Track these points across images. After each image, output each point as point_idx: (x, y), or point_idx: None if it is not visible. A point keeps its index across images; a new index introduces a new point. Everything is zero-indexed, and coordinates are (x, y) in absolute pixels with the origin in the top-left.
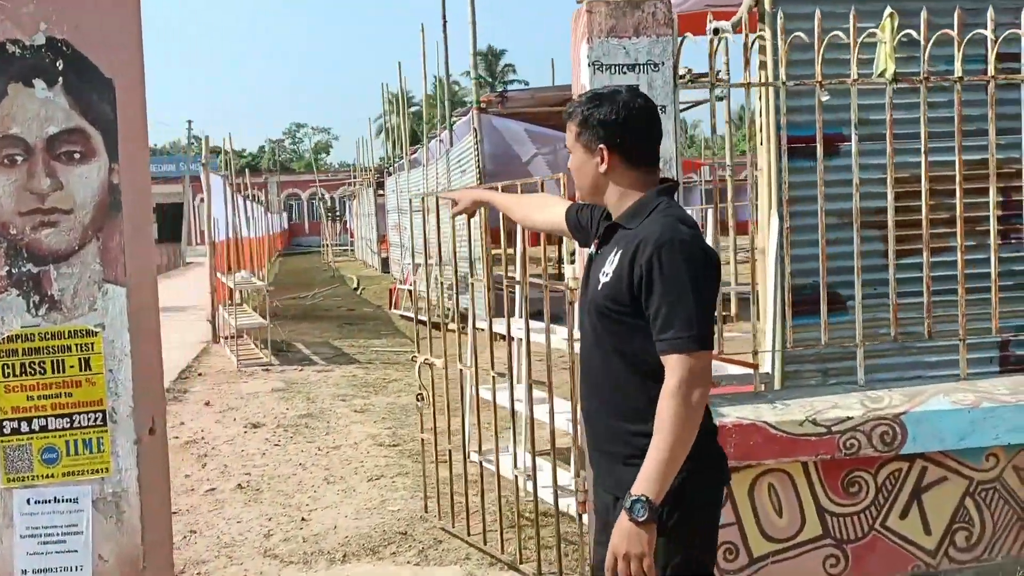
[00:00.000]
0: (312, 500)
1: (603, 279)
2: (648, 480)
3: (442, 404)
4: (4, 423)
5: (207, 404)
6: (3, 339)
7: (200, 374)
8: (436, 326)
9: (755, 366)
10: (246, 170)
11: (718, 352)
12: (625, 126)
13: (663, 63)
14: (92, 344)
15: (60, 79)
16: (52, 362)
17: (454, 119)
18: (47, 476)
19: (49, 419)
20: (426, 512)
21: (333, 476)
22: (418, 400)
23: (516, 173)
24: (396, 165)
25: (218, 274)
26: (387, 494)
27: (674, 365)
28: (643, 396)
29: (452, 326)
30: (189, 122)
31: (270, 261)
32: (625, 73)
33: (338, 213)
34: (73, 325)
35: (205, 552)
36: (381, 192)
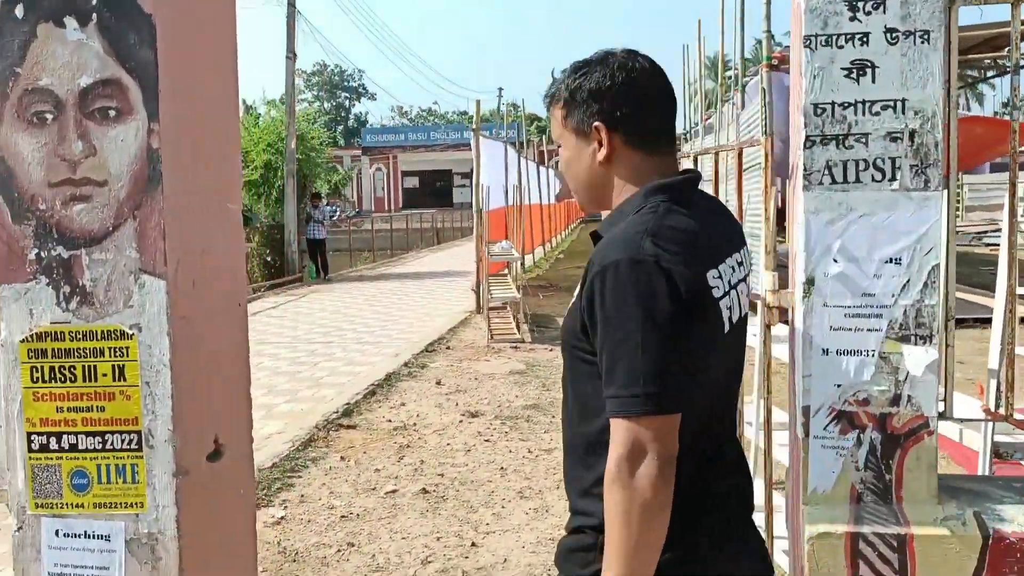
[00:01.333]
0: (495, 519)
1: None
2: None
3: None
4: (33, 437)
5: (438, 383)
6: (32, 335)
7: (448, 347)
8: None
9: None
10: (542, 136)
11: (1006, 415)
12: (627, 94)
13: None
14: (126, 349)
15: (94, 16)
16: (84, 368)
17: (746, 79)
18: (77, 505)
19: (80, 437)
20: None
21: (531, 489)
22: None
23: None
24: (692, 131)
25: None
26: None
27: (614, 434)
28: (588, 469)
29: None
30: (500, 90)
31: (568, 228)
32: None
33: None
34: (106, 324)
35: (353, 573)
36: (680, 158)
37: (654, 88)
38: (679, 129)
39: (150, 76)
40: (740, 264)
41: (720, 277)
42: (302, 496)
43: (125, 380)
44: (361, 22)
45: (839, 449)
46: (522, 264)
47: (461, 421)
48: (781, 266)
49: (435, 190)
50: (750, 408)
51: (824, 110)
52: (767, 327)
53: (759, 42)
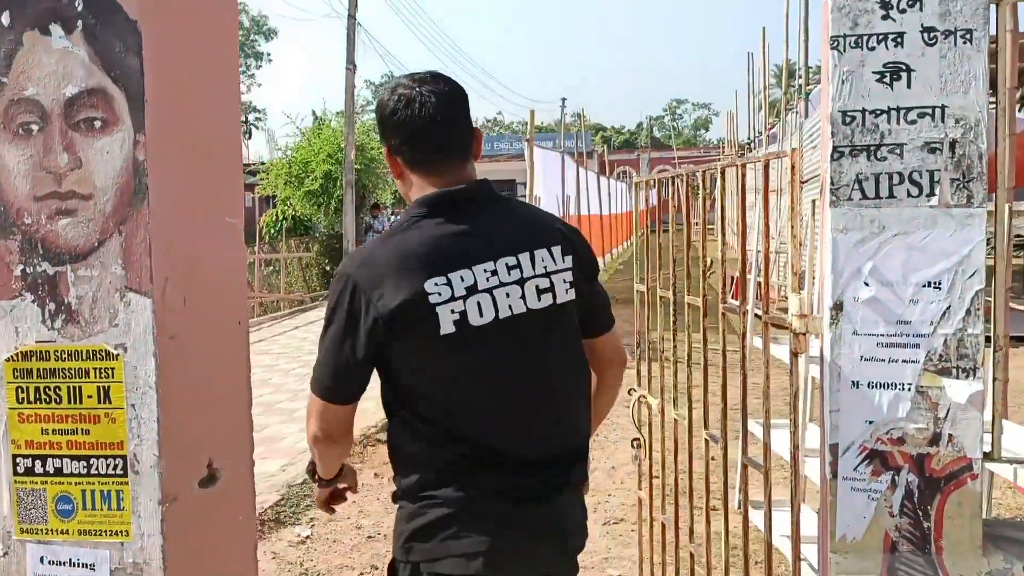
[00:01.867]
0: None
1: None
2: None
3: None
4: (18, 460)
5: None
6: (18, 355)
7: None
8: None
9: None
10: (605, 146)
11: None
12: (393, 124)
13: None
14: (112, 370)
15: (79, 23)
16: (69, 388)
17: (810, 88)
18: (63, 532)
19: (65, 460)
20: None
21: None
22: (633, 447)
23: None
24: (756, 140)
25: None
26: (617, 549)
27: None
28: None
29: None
30: (563, 100)
31: (630, 240)
32: None
33: (708, 190)
34: (91, 344)
35: None
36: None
37: (415, 117)
38: (743, 138)
39: (136, 85)
40: (519, 265)
41: (449, 284)
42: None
43: (110, 402)
44: (425, 34)
45: (871, 492)
46: None
47: None
48: None
49: None
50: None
51: (853, 118)
52: (794, 355)
53: (804, 62)
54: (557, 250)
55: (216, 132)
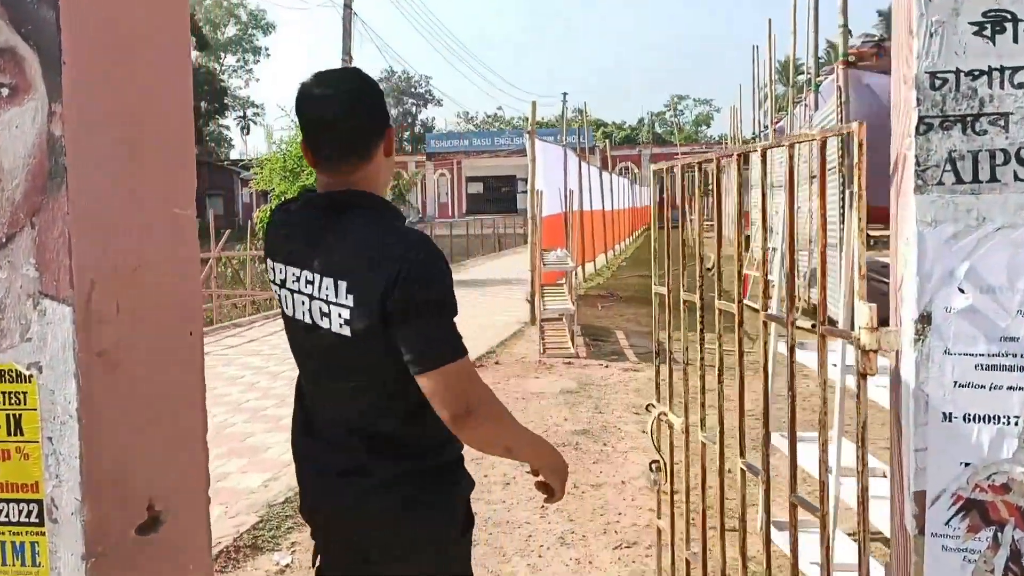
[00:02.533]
0: (530, 570)
1: None
2: None
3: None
4: None
5: None
6: None
7: (498, 362)
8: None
9: None
10: (607, 141)
11: None
12: (298, 121)
13: None
14: (23, 394)
15: None
16: None
17: (820, 79)
18: None
19: None
20: None
21: (574, 533)
22: (652, 471)
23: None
24: (762, 135)
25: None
26: None
27: None
28: None
29: (803, 324)
30: (564, 95)
31: (632, 236)
32: None
33: (708, 187)
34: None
35: None
36: (747, 165)
37: (302, 116)
38: (748, 133)
39: (51, 43)
40: (312, 283)
41: (273, 271)
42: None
43: (22, 434)
44: (424, 27)
45: (967, 552)
46: (582, 272)
47: None
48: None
49: (499, 195)
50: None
51: (944, 81)
52: (862, 376)
53: (830, 44)
54: (343, 285)
55: (160, 104)
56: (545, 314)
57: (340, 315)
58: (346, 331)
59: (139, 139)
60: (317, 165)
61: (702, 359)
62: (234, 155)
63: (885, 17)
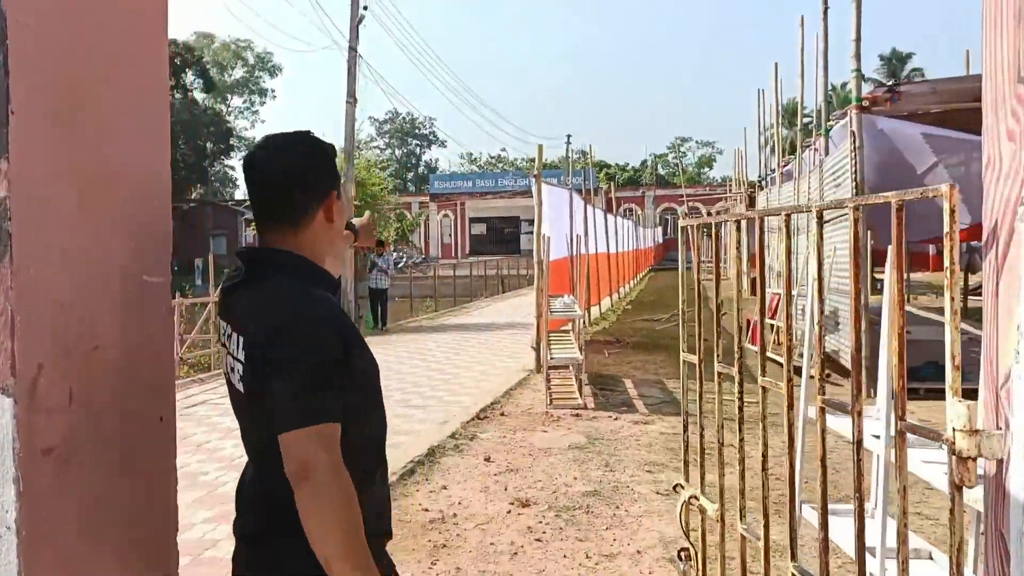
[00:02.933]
0: None
1: None
2: None
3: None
4: None
5: (487, 460)
6: None
7: (503, 414)
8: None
9: None
10: (611, 183)
11: None
12: None
13: None
14: None
15: None
16: None
17: (831, 123)
18: None
19: None
20: None
21: None
22: (680, 560)
23: (908, 187)
24: (768, 178)
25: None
26: None
27: None
28: None
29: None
30: (568, 136)
31: (636, 277)
32: None
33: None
34: None
35: None
36: (753, 208)
37: (247, 179)
38: (754, 176)
39: None
40: (231, 337)
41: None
42: None
43: None
44: (428, 68)
45: None
46: (588, 317)
47: (509, 511)
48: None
49: (502, 236)
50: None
51: None
52: (957, 488)
53: (833, 88)
54: (242, 341)
55: (131, 157)
56: (551, 362)
57: (238, 370)
58: (241, 387)
59: (103, 198)
60: (256, 226)
61: (741, 441)
62: (239, 195)
63: (887, 61)
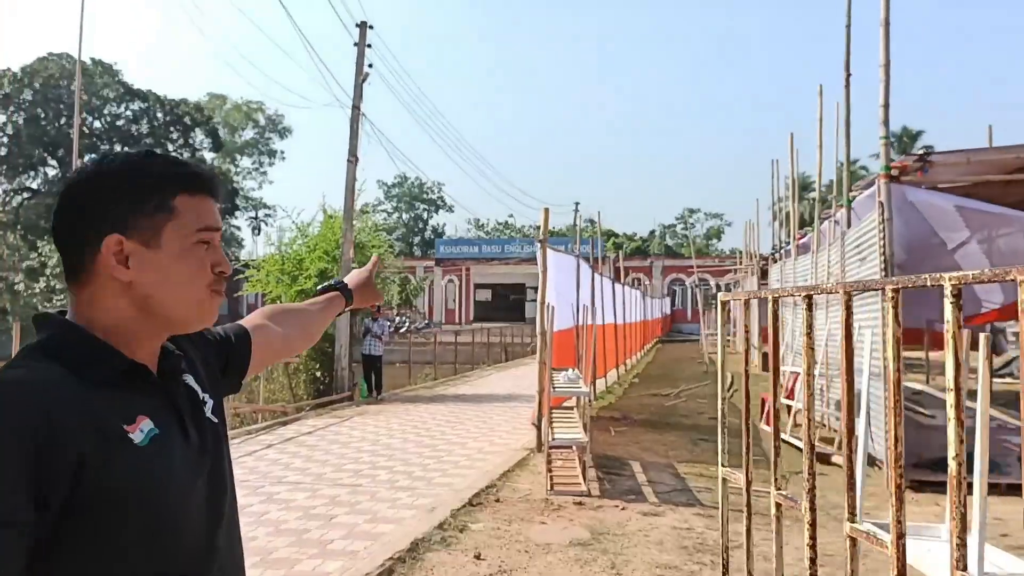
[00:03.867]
0: None
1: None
2: None
3: None
4: None
5: (477, 558)
6: None
7: (498, 500)
8: (821, 458)
9: None
10: (619, 252)
11: None
12: None
13: None
14: None
15: None
16: None
17: (854, 193)
18: None
19: None
20: None
21: None
22: None
23: (939, 265)
24: (782, 251)
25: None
26: None
27: None
28: None
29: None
30: (576, 204)
31: (644, 349)
32: None
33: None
34: None
35: None
36: (765, 281)
37: None
38: (766, 249)
39: None
40: None
41: None
42: None
43: None
44: (436, 132)
45: None
46: (593, 391)
47: None
48: None
49: (507, 304)
50: None
51: None
52: None
53: (840, 164)
54: None
55: None
56: (553, 443)
57: None
58: None
59: None
60: None
61: None
62: (244, 255)
63: (897, 139)
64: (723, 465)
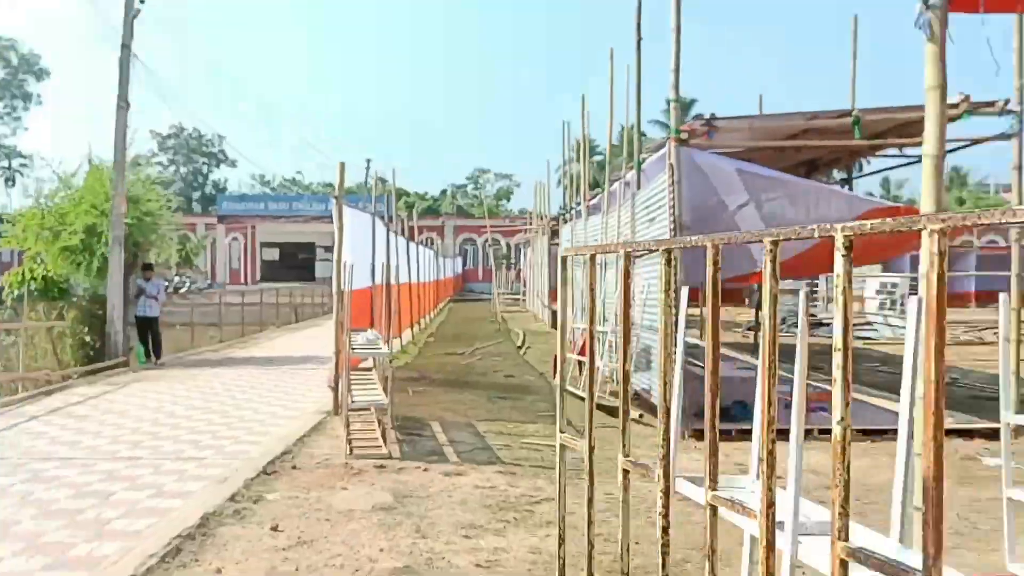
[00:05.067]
0: None
1: None
2: None
3: None
4: None
5: (274, 529)
6: None
7: (295, 467)
8: (611, 412)
9: None
10: (410, 211)
11: None
12: None
13: None
14: None
15: None
16: None
17: (644, 156)
18: None
19: None
20: None
21: None
22: None
23: (719, 226)
24: (572, 212)
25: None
26: None
27: None
28: None
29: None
30: (368, 161)
31: (437, 308)
32: None
33: (512, 261)
34: None
35: None
36: (556, 241)
37: None
38: (554, 211)
39: None
40: None
41: None
42: None
43: None
44: (219, 80)
45: None
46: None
47: None
48: None
49: (296, 263)
50: None
51: None
52: None
53: (634, 128)
54: None
55: None
56: (352, 405)
57: None
58: None
59: None
60: None
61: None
62: None
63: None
64: (561, 431)
